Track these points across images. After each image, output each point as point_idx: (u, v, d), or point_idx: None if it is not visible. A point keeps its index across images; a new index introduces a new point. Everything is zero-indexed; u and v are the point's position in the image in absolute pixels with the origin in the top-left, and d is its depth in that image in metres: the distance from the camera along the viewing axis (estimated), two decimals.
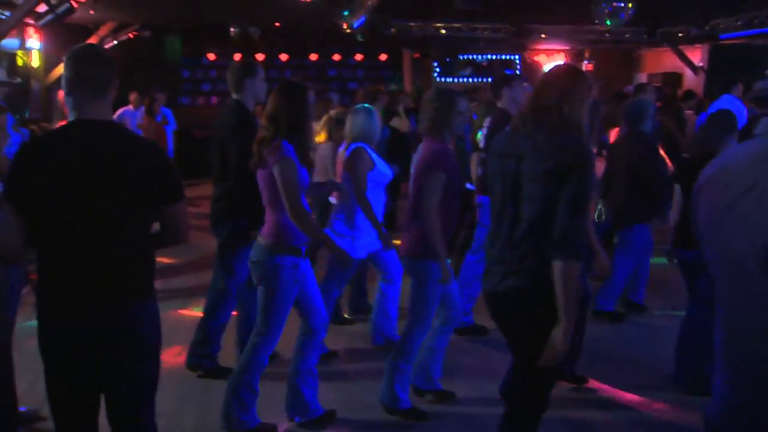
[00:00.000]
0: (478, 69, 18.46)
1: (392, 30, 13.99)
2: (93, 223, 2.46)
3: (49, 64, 12.14)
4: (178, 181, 2.67)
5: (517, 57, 18.19)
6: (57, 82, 11.16)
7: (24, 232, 2.43)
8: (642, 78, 18.35)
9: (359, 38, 13.07)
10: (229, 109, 4.57)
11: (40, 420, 3.94)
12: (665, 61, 17.38)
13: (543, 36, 14.14)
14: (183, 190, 2.69)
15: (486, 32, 14.48)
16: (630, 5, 8.61)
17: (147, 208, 2.57)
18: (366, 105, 5.26)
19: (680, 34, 14.52)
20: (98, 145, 2.48)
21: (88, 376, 2.55)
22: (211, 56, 16.58)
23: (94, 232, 2.47)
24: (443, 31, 14.47)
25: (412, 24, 14.16)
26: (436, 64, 18.00)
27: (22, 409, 3.74)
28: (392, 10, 11.94)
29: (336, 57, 17.22)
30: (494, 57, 18.46)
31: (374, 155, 4.98)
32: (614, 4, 8.64)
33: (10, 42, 10.53)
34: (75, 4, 8.63)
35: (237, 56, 16.11)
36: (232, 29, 13.99)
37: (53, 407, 2.60)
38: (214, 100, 16.77)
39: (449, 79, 18.06)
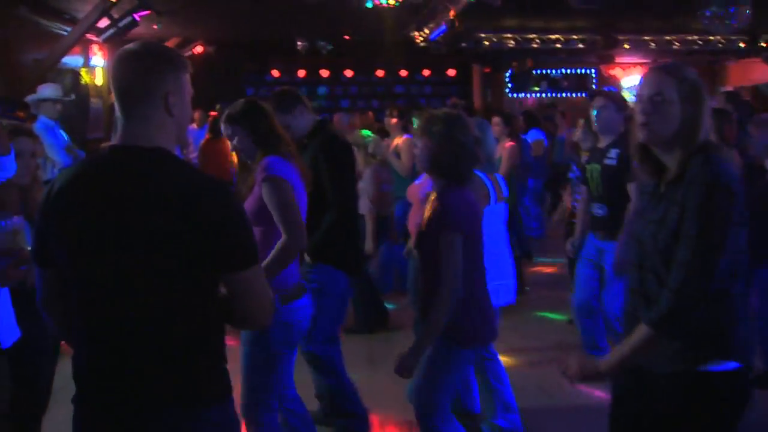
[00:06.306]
0: (552, 83, 17.65)
1: (462, 44, 13.24)
2: (125, 293, 1.77)
3: None
4: (249, 237, 1.88)
5: (593, 71, 17.41)
6: None
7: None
8: None
9: (434, 51, 12.40)
10: None
11: None
12: (753, 72, 16.22)
13: (627, 47, 13.21)
14: (256, 251, 1.89)
15: (568, 43, 13.60)
16: (746, 10, 7.61)
17: (207, 275, 1.83)
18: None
19: None
20: (135, 184, 1.78)
21: None
22: (276, 73, 16.15)
23: (127, 305, 1.78)
24: (514, 44, 13.65)
25: (483, 35, 13.40)
26: (508, 79, 17.21)
27: None
28: (476, 19, 11.13)
29: (403, 73, 16.62)
30: (570, 71, 17.68)
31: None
32: (725, 8, 7.68)
33: (74, 59, 10.23)
34: (137, 18, 8.21)
35: (301, 72, 15.69)
36: (299, 43, 13.50)
37: None
38: None
39: (522, 95, 17.29)
